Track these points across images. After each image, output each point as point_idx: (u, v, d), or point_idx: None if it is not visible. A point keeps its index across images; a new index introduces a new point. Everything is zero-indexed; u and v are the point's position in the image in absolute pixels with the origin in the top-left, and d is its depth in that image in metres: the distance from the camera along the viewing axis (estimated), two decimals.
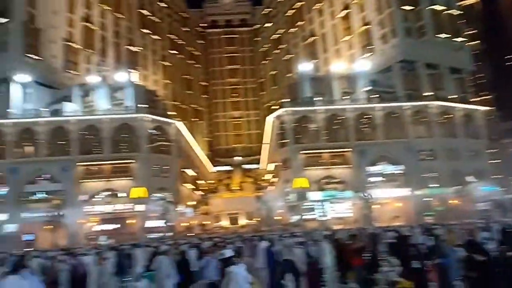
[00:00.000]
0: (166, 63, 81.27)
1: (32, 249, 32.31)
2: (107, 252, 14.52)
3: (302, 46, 76.49)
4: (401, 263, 11.73)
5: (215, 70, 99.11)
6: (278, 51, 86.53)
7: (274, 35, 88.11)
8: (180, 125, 54.55)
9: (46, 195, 46.15)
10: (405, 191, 47.99)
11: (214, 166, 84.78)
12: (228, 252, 5.75)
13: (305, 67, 58.99)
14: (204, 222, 59.98)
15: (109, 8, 67.46)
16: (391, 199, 48.27)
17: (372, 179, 48.74)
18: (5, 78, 49.62)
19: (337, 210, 48.05)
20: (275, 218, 51.48)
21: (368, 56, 59.06)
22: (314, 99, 51.95)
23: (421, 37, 55.86)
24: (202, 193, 68.13)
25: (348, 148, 49.36)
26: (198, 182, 67.64)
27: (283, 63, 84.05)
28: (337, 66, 58.11)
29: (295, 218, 47.68)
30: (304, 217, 47.04)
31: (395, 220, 44.74)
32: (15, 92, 49.60)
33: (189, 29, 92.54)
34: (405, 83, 54.36)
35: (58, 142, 47.37)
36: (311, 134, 50.64)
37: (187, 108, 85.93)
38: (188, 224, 54.25)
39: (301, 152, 48.92)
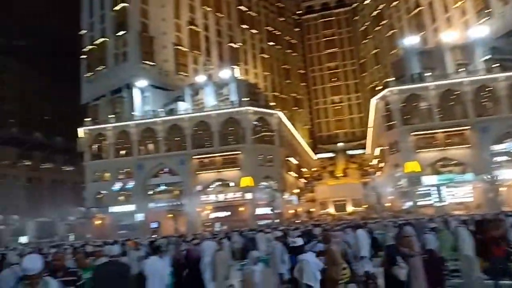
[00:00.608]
0: (265, 56, 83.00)
1: (157, 235, 36.21)
2: (223, 238, 15.53)
3: (407, 19, 70.85)
4: None
5: (313, 56, 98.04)
6: (379, 27, 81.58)
7: (375, 12, 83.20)
8: (281, 115, 55.37)
9: (167, 187, 51.18)
10: None
11: (317, 153, 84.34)
12: (299, 241, 5.78)
13: (411, 41, 54.48)
14: (310, 209, 60.27)
15: (210, 9, 71.35)
16: None
17: (497, 158, 43.30)
18: (128, 85, 56.31)
19: (456, 194, 44.02)
20: (385, 204, 49.22)
21: (485, 21, 52.18)
22: (424, 74, 47.94)
23: None
24: (306, 181, 68.37)
25: (467, 125, 44.59)
26: (302, 170, 68.03)
27: (385, 40, 79.03)
28: (449, 36, 52.51)
29: (407, 204, 44.98)
30: (418, 203, 44.13)
31: None
32: (136, 96, 55.87)
33: (284, 19, 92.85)
34: None
35: (175, 139, 51.95)
36: (422, 114, 46.97)
37: (287, 98, 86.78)
38: (294, 211, 55.07)
39: (411, 133, 45.71)
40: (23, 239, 47.67)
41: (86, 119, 55.40)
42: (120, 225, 48.21)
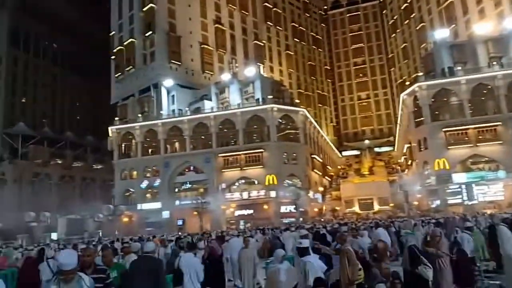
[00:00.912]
0: (290, 52, 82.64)
1: (180, 232, 36.71)
2: (249, 236, 15.63)
3: (437, 12, 68.75)
4: None
5: (339, 52, 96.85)
6: (408, 21, 79.39)
7: (404, 5, 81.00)
8: (306, 112, 54.96)
9: (192, 185, 51.80)
10: None
11: (342, 151, 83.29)
12: (305, 242, 5.78)
13: (441, 34, 52.90)
14: (335, 208, 59.57)
15: (235, 7, 71.67)
16: None
17: None
18: (155, 84, 57.33)
19: (487, 193, 42.54)
20: (413, 203, 48.08)
21: None
22: (455, 69, 46.48)
23: None
24: (331, 179, 67.64)
25: (499, 121, 42.96)
26: (327, 167, 67.35)
27: (414, 34, 76.94)
28: (482, 28, 50.71)
29: (436, 203, 43.80)
30: (447, 201, 42.91)
31: None
32: (163, 96, 56.82)
33: (310, 15, 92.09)
34: None
35: (200, 137, 52.49)
36: (452, 109, 45.60)
37: (312, 95, 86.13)
38: (319, 209, 54.58)
39: (442, 130, 44.43)
40: (53, 236, 49.26)
41: (115, 119, 56.88)
42: (147, 222, 49.13)
